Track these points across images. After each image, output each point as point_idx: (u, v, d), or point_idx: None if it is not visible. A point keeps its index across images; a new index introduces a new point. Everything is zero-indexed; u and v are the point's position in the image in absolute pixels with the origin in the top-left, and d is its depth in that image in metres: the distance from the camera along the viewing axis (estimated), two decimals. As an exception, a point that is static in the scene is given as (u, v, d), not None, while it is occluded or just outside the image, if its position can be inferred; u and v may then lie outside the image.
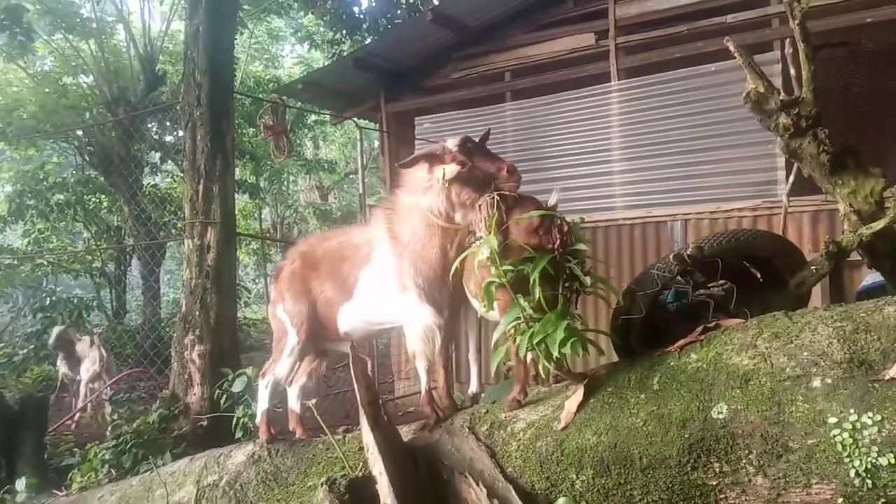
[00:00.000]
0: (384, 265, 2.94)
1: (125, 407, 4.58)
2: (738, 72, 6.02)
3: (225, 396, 4.33)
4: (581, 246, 2.44)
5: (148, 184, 13.15)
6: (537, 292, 2.38)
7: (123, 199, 11.57)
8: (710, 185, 6.28)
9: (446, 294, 2.83)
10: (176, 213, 12.57)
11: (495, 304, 2.54)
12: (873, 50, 6.48)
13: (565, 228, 2.41)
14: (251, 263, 18.70)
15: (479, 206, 2.62)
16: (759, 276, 2.93)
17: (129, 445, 3.98)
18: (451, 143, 2.73)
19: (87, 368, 7.09)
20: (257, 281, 20.01)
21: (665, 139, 6.50)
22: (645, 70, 6.73)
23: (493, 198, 2.56)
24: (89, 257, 12.45)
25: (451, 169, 2.66)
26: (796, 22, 2.62)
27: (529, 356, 2.61)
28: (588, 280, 2.42)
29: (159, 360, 6.88)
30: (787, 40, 2.80)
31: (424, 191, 2.79)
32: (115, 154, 11.21)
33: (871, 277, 3.29)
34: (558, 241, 2.37)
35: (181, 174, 13.05)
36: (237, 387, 4.20)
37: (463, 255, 2.64)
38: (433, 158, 2.77)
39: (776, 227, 5.08)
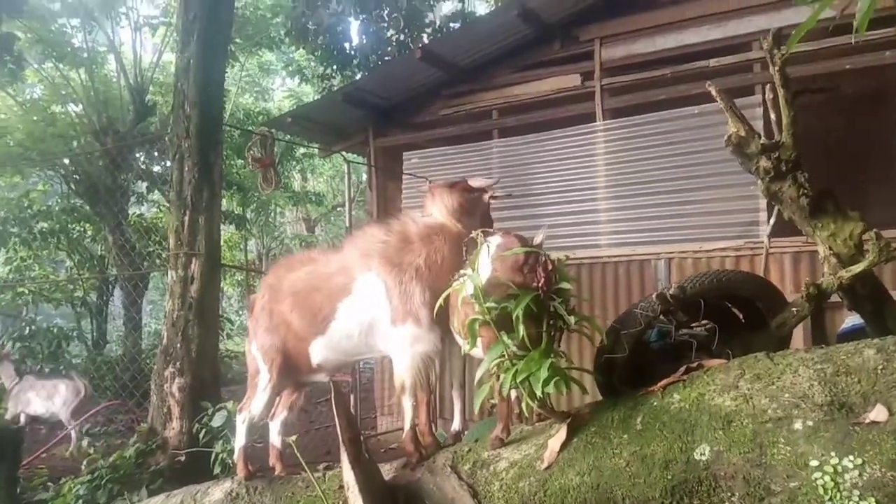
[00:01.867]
0: (371, 295, 2.87)
1: (101, 440, 4.47)
2: (720, 114, 6.07)
3: (204, 431, 4.26)
4: (565, 284, 2.44)
5: (133, 213, 13.10)
6: (521, 330, 2.37)
7: (108, 229, 11.51)
8: (694, 225, 6.34)
9: (445, 322, 2.79)
10: (160, 243, 12.49)
11: (479, 341, 2.53)
12: (852, 95, 6.64)
13: (550, 267, 2.41)
14: (235, 294, 18.58)
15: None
16: (741, 316, 2.95)
17: (104, 480, 3.88)
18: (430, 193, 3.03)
19: (67, 401, 6.91)
20: (240, 312, 19.86)
21: (649, 179, 6.58)
22: (629, 111, 6.85)
23: (478, 234, 2.56)
24: (71, 286, 12.31)
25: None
26: (776, 68, 2.68)
27: (513, 394, 2.60)
28: (572, 319, 2.42)
29: (138, 393, 6.76)
30: (769, 85, 2.86)
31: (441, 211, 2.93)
32: (102, 183, 11.18)
33: (851, 320, 3.32)
34: (542, 280, 2.37)
35: (167, 204, 13.04)
36: (217, 421, 4.13)
37: (447, 292, 2.63)
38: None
39: (758, 268, 5.13)
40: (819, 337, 3.39)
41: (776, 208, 2.96)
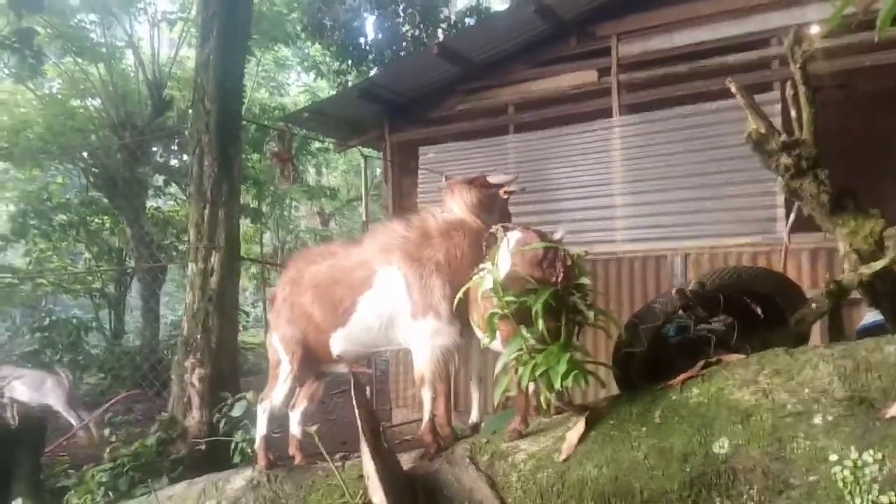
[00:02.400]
0: (392, 289, 2.91)
1: (122, 429, 4.54)
2: (737, 111, 6.09)
3: (224, 421, 4.31)
4: (584, 279, 2.45)
5: (151, 206, 13.22)
6: (540, 324, 2.39)
7: (126, 221, 11.63)
8: (711, 221, 6.33)
9: (464, 315, 2.82)
10: (178, 236, 12.63)
11: (497, 334, 2.55)
12: (870, 93, 6.59)
13: (569, 262, 2.43)
14: (251, 287, 18.69)
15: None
16: (759, 312, 2.95)
17: (126, 468, 3.94)
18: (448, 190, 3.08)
19: (58, 394, 6.91)
20: (256, 305, 19.98)
21: (666, 175, 6.58)
22: (646, 107, 6.84)
23: (497, 230, 2.59)
24: (90, 278, 12.45)
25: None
26: (797, 65, 2.68)
27: (531, 387, 2.62)
28: (591, 314, 2.43)
29: (158, 383, 6.85)
30: (788, 82, 2.86)
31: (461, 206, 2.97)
32: (120, 176, 11.29)
33: (871, 316, 3.31)
34: (562, 275, 2.38)
35: (184, 198, 13.16)
36: (237, 411, 4.18)
37: (466, 286, 2.66)
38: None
39: (775, 264, 5.11)
40: (836, 334, 3.38)
41: (796, 205, 2.96)
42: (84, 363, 11.05)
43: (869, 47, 5.70)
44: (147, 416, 5.83)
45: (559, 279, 2.37)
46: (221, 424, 4.34)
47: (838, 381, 2.13)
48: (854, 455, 1.92)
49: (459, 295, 2.64)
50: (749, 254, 6.06)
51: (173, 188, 13.50)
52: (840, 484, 1.92)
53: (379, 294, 2.95)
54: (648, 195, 6.66)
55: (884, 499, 1.83)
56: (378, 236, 3.10)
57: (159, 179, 13.36)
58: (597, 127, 7.00)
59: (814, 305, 2.69)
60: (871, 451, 1.90)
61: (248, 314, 15.69)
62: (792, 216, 3.31)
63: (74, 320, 11.60)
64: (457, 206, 2.98)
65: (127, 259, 12.75)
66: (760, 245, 6.04)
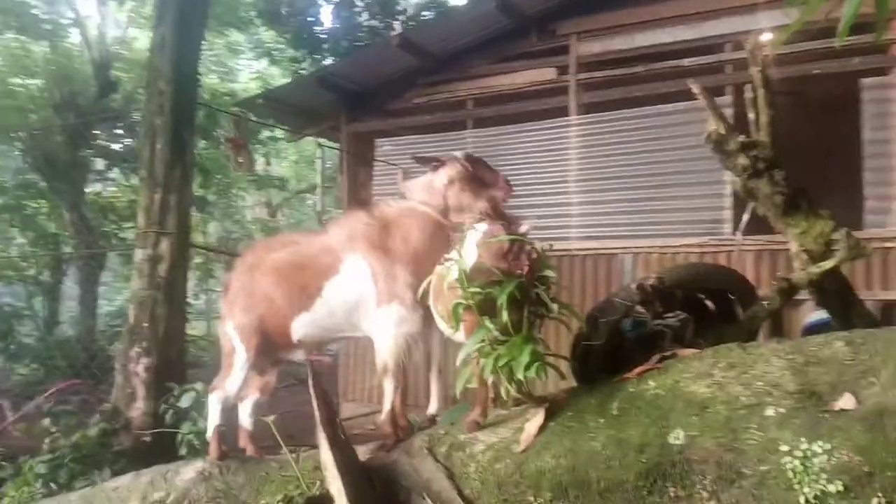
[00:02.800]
0: (358, 275, 2.95)
1: (61, 420, 4.39)
2: (690, 114, 6.32)
3: (170, 412, 4.22)
4: (549, 272, 2.49)
5: (91, 191, 12.78)
6: (504, 315, 2.42)
7: (65, 206, 11.21)
8: (661, 221, 6.47)
9: (425, 306, 2.86)
10: (118, 223, 12.26)
11: (461, 325, 2.57)
12: (818, 100, 6.85)
13: (534, 255, 2.46)
14: (193, 278, 18.27)
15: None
16: (712, 308, 3.05)
17: (66, 460, 3.82)
18: (458, 154, 3.06)
19: None
20: (198, 296, 19.53)
21: (620, 174, 6.70)
22: (603, 107, 6.94)
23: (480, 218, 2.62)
24: (24, 264, 11.97)
25: (456, 168, 2.98)
26: (758, 69, 2.77)
27: (490, 378, 2.64)
28: (554, 306, 2.47)
29: (99, 372, 6.64)
30: (748, 85, 2.96)
31: (425, 192, 3.00)
32: (60, 159, 10.88)
33: (816, 315, 3.46)
34: (527, 267, 2.41)
35: (127, 183, 12.77)
36: (185, 402, 4.10)
37: (431, 276, 2.67)
38: (440, 163, 3.04)
39: (727, 264, 5.26)
40: (777, 332, 3.53)
41: (751, 205, 3.06)
42: (15, 353, 10.62)
43: (817, 56, 5.92)
44: (85, 407, 5.63)
45: (524, 271, 2.40)
46: (167, 416, 4.24)
47: (790, 374, 2.22)
48: (804, 446, 2.00)
49: (424, 285, 2.66)
50: (696, 254, 6.22)
51: (115, 173, 13.09)
52: (790, 474, 2.00)
53: (345, 280, 2.98)
54: (602, 194, 6.77)
55: (831, 487, 1.92)
56: (343, 225, 3.13)
57: (101, 163, 12.93)
58: (554, 125, 7.08)
59: (765, 303, 2.79)
60: (821, 442, 1.98)
61: (190, 305, 15.34)
62: (746, 216, 3.43)
63: (7, 308, 11.13)
64: (439, 180, 3.00)
65: (64, 245, 12.30)
66: (707, 245, 6.21)
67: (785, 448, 2.04)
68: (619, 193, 6.68)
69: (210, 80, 17.89)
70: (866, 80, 5.73)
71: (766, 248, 5.76)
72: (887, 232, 5.39)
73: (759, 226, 4.82)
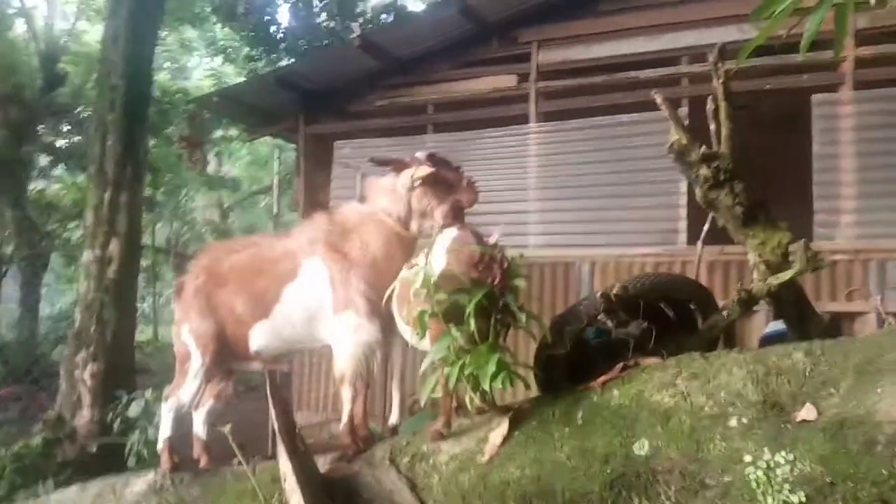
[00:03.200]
0: (316, 281, 2.88)
1: (1, 428, 4.18)
2: (647, 125, 6.44)
3: (118, 420, 4.07)
4: (519, 282, 2.48)
5: (33, 189, 12.32)
6: (472, 324, 2.39)
7: (6, 203, 10.78)
8: (617, 231, 6.55)
9: (387, 314, 2.81)
10: (62, 221, 11.86)
11: (426, 333, 2.54)
12: (771, 114, 7.04)
13: (505, 264, 2.44)
14: (140, 280, 17.81)
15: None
16: (673, 317, 3.08)
17: (6, 471, 3.64)
18: (420, 154, 2.96)
19: None
20: (145, 299, 19.07)
21: (578, 183, 6.75)
22: (563, 115, 6.99)
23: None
24: (-40, 264, 11.47)
25: (422, 169, 2.84)
26: (720, 80, 2.82)
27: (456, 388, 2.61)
28: (522, 315, 2.46)
29: (41, 378, 6.38)
30: (709, 97, 3.00)
31: (387, 195, 2.90)
32: (2, 155, 10.46)
33: (773, 325, 3.53)
34: (498, 276, 2.39)
35: (72, 181, 12.35)
36: (133, 411, 3.96)
37: (396, 282, 2.63)
38: (402, 165, 2.92)
39: (684, 273, 5.34)
40: (729, 341, 3.61)
41: (711, 216, 3.11)
42: None
43: (769, 71, 6.09)
44: (26, 415, 5.39)
45: (496, 280, 2.38)
46: (115, 424, 4.09)
47: (752, 385, 2.25)
48: (767, 456, 2.03)
49: (389, 291, 2.61)
50: (651, 264, 6.31)
51: (60, 170, 12.66)
52: (753, 484, 2.02)
53: (304, 286, 2.91)
54: (560, 202, 6.82)
55: (794, 498, 1.94)
56: (305, 228, 3.07)
57: (45, 160, 12.48)
58: (514, 132, 7.11)
59: (725, 313, 2.83)
60: (783, 453, 2.01)
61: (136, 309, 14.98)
62: (706, 227, 3.48)
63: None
64: (401, 183, 2.93)
65: (4, 245, 11.82)
66: (662, 255, 6.31)
67: (748, 458, 2.05)
68: (577, 202, 6.73)
69: (162, 76, 17.52)
70: (817, 97, 5.91)
71: (719, 260, 5.88)
72: (835, 245, 5.57)
73: (713, 237, 4.95)
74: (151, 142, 12.67)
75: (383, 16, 13.37)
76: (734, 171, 2.84)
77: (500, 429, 2.53)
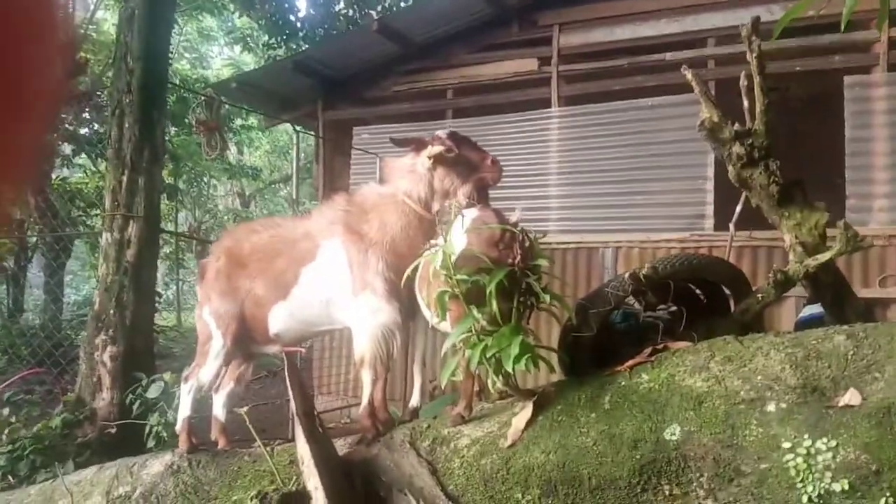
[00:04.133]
0: (334, 262, 2.82)
1: (23, 410, 4.17)
2: (673, 108, 6.28)
3: (137, 403, 4.04)
4: (541, 261, 2.39)
5: (57, 177, 12.39)
6: (493, 305, 2.31)
7: (30, 191, 10.84)
8: (642, 216, 6.42)
9: (406, 295, 2.73)
10: (85, 209, 11.93)
11: (447, 314, 2.46)
12: (801, 98, 6.85)
13: (527, 243, 2.36)
14: (163, 267, 17.92)
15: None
16: (704, 300, 2.97)
17: (26, 451, 3.62)
18: (441, 133, 2.89)
19: None
20: (169, 285, 19.21)
21: (601, 168, 6.62)
22: (585, 99, 6.86)
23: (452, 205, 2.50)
24: (-13, 250, 11.56)
25: (436, 147, 2.77)
26: (754, 55, 2.69)
27: (477, 370, 2.54)
28: (546, 296, 2.37)
29: (64, 362, 6.38)
30: (743, 73, 2.87)
31: (407, 176, 2.83)
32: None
33: (808, 310, 3.41)
34: (519, 256, 2.31)
35: (94, 169, 12.40)
36: (152, 393, 3.92)
37: (416, 262, 2.55)
38: (422, 145, 2.85)
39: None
40: (758, 329, 3.50)
41: (744, 196, 2.99)
42: None
43: (800, 52, 5.90)
44: (48, 397, 5.40)
45: (517, 260, 2.29)
46: (134, 407, 4.06)
47: (790, 368, 2.14)
48: (807, 443, 1.93)
49: (408, 272, 2.53)
50: (677, 249, 6.16)
51: (82, 158, 12.70)
52: (792, 472, 1.92)
53: (322, 267, 2.85)
54: (583, 187, 6.69)
55: (836, 486, 1.84)
56: (325, 210, 3.01)
57: (67, 148, 12.53)
58: (535, 116, 6.98)
59: (759, 296, 2.71)
60: (825, 439, 1.91)
61: (160, 296, 15.03)
62: (738, 207, 3.35)
63: (-32, 296, 10.75)
64: (422, 163, 2.84)
65: (29, 232, 11.90)
66: (688, 240, 6.16)
67: (787, 445, 1.96)
68: (600, 187, 6.60)
69: (181, 65, 17.56)
70: (849, 78, 5.72)
71: (748, 244, 5.73)
72: (868, 230, 5.39)
73: (741, 221, 4.80)
74: (172, 130, 12.73)
75: (402, 3, 13.24)
76: (769, 148, 2.72)
77: (524, 413, 2.46)
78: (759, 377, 2.15)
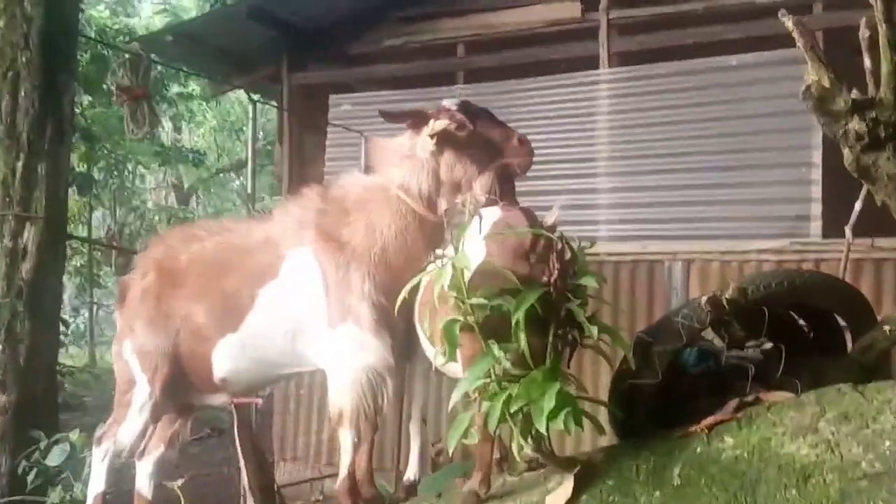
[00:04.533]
0: (304, 281, 2.84)
1: None
2: (766, 68, 6.30)
3: (34, 472, 4.09)
4: (588, 280, 2.39)
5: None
6: (521, 339, 2.31)
7: None
8: (723, 217, 6.44)
9: (401, 326, 2.74)
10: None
11: (458, 351, 2.46)
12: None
13: (567, 255, 2.35)
14: (71, 286, 18.04)
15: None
16: (809, 333, 2.97)
17: None
18: (449, 103, 2.87)
19: None
20: (79, 311, 19.33)
21: (666, 151, 6.65)
22: (645, 57, 6.90)
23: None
24: None
25: (442, 123, 2.75)
26: (880, -4, 2.67)
27: (498, 430, 2.54)
28: (594, 329, 2.36)
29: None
30: (863, 20, 2.86)
31: (403, 162, 2.85)
32: None
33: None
34: (557, 272, 2.30)
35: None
36: (54, 458, 3.98)
37: (415, 280, 2.55)
38: (423, 119, 2.84)
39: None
40: (883, 372, 3.48)
41: (864, 191, 2.98)
42: None
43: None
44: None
45: (553, 279, 2.29)
46: (29, 478, 4.11)
47: (930, 430, 2.13)
48: (954, 533, 1.91)
49: (404, 294, 2.53)
50: (772, 264, 6.17)
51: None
52: (933, 572, 1.91)
53: (286, 287, 2.88)
54: (643, 178, 6.73)
55: None
56: (290, 209, 3.05)
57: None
58: (577, 81, 7.02)
59: (887, 328, 2.70)
60: (978, 528, 1.89)
61: (66, 325, 15.14)
62: (857, 206, 3.35)
63: None
64: (422, 145, 2.85)
65: None
66: (787, 251, 6.16)
67: (926, 536, 1.94)
68: (665, 177, 6.63)
69: (97, 11, 17.77)
70: None
71: (869, 257, 5.72)
72: None
73: (860, 226, 4.78)
74: (84, 100, 12.83)
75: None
76: (900, 124, 2.70)
77: (563, 490, 2.47)
78: (888, 442, 2.14)
